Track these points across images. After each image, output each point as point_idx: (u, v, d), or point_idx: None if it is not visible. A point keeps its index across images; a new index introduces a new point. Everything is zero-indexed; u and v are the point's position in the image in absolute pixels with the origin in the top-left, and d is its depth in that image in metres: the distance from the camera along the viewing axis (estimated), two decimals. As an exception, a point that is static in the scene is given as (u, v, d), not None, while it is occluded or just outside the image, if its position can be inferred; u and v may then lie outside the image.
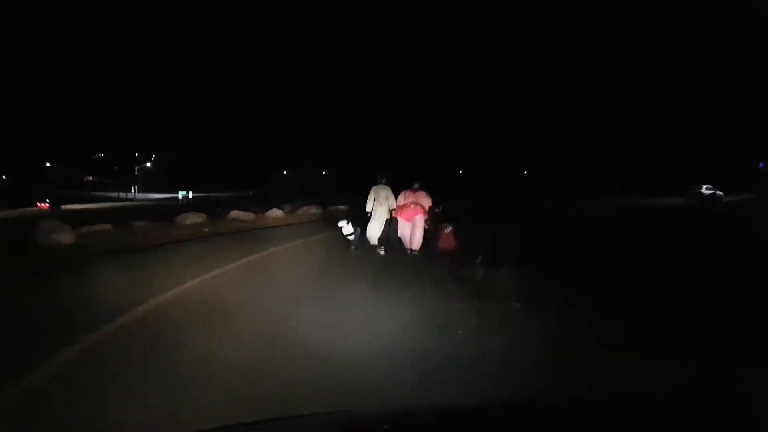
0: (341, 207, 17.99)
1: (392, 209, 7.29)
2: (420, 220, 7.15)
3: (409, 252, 7.21)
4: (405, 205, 7.20)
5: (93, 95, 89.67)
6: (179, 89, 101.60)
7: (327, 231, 10.62)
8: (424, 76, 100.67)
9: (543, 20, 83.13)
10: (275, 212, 14.69)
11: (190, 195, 48.59)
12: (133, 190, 56.49)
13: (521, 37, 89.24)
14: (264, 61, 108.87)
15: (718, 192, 26.96)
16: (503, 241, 7.46)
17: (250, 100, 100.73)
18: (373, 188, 7.42)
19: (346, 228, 7.51)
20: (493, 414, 1.12)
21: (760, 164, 41.30)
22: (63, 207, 30.74)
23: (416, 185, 7.39)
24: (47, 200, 32.58)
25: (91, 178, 66.43)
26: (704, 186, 27.74)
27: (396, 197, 7.41)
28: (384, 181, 7.48)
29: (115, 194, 51.60)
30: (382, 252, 7.16)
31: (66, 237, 9.10)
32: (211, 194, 52.85)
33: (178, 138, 77.63)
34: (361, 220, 7.56)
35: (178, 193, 48.93)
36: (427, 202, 7.23)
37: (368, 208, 7.37)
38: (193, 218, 12.44)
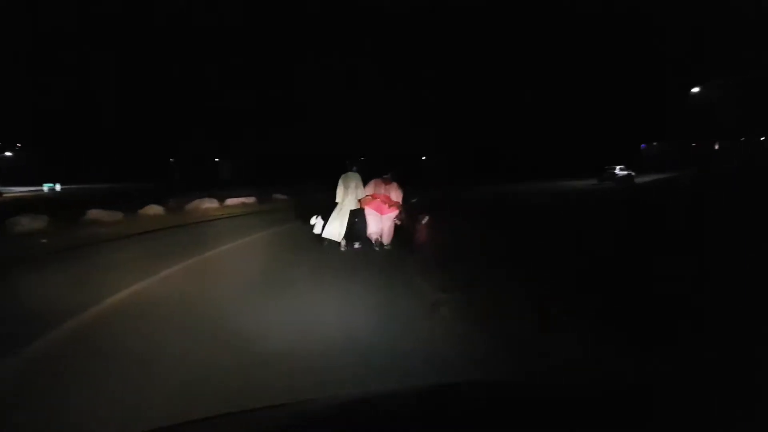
0: (244, 199, 15.44)
1: (360, 199, 6.67)
2: (392, 214, 6.61)
3: (378, 248, 6.61)
4: (374, 197, 6.56)
5: None
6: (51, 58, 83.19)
7: (225, 241, 7.23)
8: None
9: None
10: (153, 209, 11.69)
11: (58, 187, 40.54)
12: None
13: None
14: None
15: (631, 172, 27.97)
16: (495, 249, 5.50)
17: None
18: (342, 176, 6.77)
19: (317, 226, 6.89)
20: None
21: (642, 145, 46.48)
22: None
23: (388, 175, 6.69)
24: None
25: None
26: (618, 167, 28.15)
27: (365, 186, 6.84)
28: (354, 168, 6.84)
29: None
30: (357, 245, 6.65)
31: None
32: (86, 185, 44.73)
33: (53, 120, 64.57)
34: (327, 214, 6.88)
35: (43, 185, 40.60)
36: (398, 196, 6.62)
37: (338, 199, 6.76)
38: (28, 224, 9.16)
